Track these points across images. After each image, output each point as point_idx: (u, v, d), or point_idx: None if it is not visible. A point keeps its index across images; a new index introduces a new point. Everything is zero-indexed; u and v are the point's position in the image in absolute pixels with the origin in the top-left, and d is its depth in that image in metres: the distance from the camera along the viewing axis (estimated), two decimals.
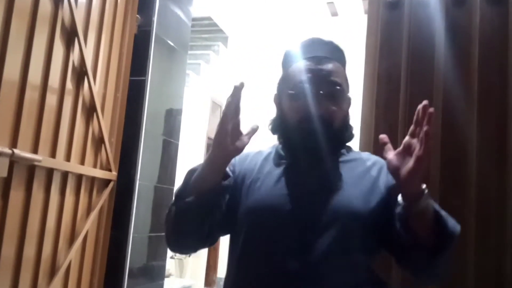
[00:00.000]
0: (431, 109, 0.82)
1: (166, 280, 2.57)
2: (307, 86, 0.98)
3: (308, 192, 0.98)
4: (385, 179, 1.01)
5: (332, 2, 5.50)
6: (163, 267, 2.47)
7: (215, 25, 5.75)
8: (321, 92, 0.97)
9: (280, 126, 1.06)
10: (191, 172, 0.97)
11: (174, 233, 0.99)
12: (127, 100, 2.20)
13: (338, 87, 0.99)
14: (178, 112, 2.54)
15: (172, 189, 2.50)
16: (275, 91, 1.10)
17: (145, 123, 2.20)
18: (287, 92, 1.02)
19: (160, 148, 2.38)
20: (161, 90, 2.35)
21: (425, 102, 0.84)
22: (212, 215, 0.95)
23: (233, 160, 1.05)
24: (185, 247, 1.07)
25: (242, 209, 1.00)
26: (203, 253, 4.71)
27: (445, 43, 1.72)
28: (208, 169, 0.93)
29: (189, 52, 2.71)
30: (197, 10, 3.57)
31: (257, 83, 6.17)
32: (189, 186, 0.95)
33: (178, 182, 2.67)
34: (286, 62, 1.07)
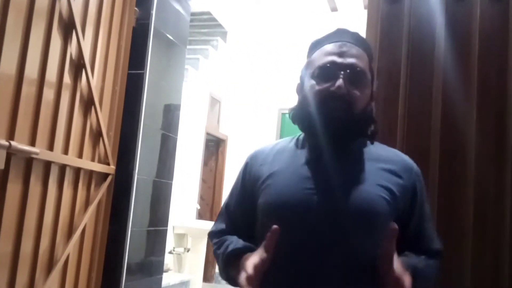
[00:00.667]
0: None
1: (164, 275, 2.57)
2: (328, 67, 0.97)
3: (328, 187, 0.95)
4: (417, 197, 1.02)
5: None
6: (161, 262, 2.47)
7: (214, 20, 5.72)
8: (342, 73, 0.95)
9: (300, 112, 1.03)
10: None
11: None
12: (125, 94, 2.19)
13: (358, 69, 0.97)
14: (177, 107, 2.53)
15: (171, 184, 2.50)
16: (297, 81, 1.08)
17: (143, 117, 2.19)
18: (309, 76, 1.01)
19: (159, 143, 2.37)
20: (159, 84, 2.34)
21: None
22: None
23: (248, 160, 1.09)
24: None
25: (261, 202, 1.00)
26: (202, 248, 4.71)
27: (445, 38, 1.72)
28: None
29: (188, 46, 2.69)
30: (196, 4, 3.56)
31: (256, 78, 6.16)
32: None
33: (176, 177, 2.63)
34: (310, 50, 1.05)
